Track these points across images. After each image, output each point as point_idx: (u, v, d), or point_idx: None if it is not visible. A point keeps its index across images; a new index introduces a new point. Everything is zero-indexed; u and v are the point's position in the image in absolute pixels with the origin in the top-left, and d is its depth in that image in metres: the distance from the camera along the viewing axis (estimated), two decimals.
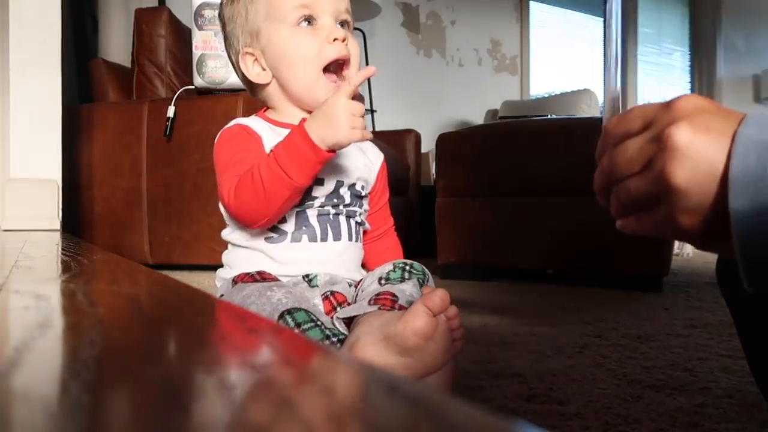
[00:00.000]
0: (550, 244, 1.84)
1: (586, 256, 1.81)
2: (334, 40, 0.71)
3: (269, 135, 0.73)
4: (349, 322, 0.63)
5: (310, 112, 0.75)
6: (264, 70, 0.75)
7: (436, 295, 0.55)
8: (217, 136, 0.75)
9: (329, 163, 0.69)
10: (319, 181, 0.72)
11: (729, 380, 0.81)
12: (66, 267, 0.70)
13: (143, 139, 2.07)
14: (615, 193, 0.43)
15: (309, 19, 0.72)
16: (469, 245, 1.98)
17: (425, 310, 0.54)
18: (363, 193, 0.78)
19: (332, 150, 0.64)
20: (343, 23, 0.74)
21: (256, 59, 0.75)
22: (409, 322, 0.54)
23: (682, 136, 0.37)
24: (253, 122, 0.75)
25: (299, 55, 0.72)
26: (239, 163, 0.69)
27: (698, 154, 0.37)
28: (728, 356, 0.95)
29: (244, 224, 0.71)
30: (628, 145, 0.41)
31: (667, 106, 0.39)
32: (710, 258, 2.58)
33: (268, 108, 0.79)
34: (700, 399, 0.73)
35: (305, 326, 0.59)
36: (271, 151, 0.66)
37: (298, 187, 0.65)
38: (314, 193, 0.73)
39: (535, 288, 1.82)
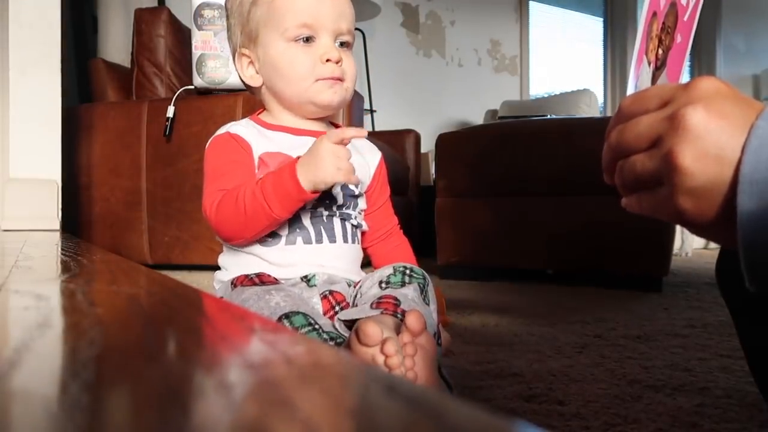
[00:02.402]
0: (550, 244, 1.84)
1: (586, 256, 1.81)
2: (327, 60, 0.72)
3: (259, 141, 0.74)
4: (350, 324, 0.63)
5: (299, 115, 0.76)
6: (257, 73, 0.76)
7: (364, 330, 0.54)
8: (208, 142, 0.75)
9: None
10: None
11: (728, 380, 0.81)
12: (65, 267, 0.70)
13: (143, 139, 2.07)
14: (620, 169, 0.43)
15: (308, 38, 0.72)
16: (469, 245, 1.98)
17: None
18: (357, 192, 0.77)
19: (317, 191, 0.66)
20: (342, 43, 0.74)
21: (251, 61, 0.76)
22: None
23: (696, 118, 0.37)
24: (244, 129, 0.75)
25: (291, 71, 0.73)
26: (225, 176, 0.71)
27: (709, 137, 0.36)
28: (728, 356, 0.95)
29: (222, 239, 0.73)
30: (640, 121, 0.41)
31: (686, 87, 0.39)
32: (710, 258, 2.58)
33: (264, 110, 0.80)
34: (700, 399, 0.73)
35: (303, 330, 0.59)
36: (260, 180, 0.68)
37: (278, 219, 0.67)
38: None
39: (535, 288, 1.82)
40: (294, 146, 0.74)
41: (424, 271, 0.71)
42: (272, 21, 0.73)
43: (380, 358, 0.53)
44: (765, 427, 0.66)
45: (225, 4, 0.80)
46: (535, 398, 0.73)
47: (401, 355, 0.54)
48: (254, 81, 0.77)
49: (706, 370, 0.87)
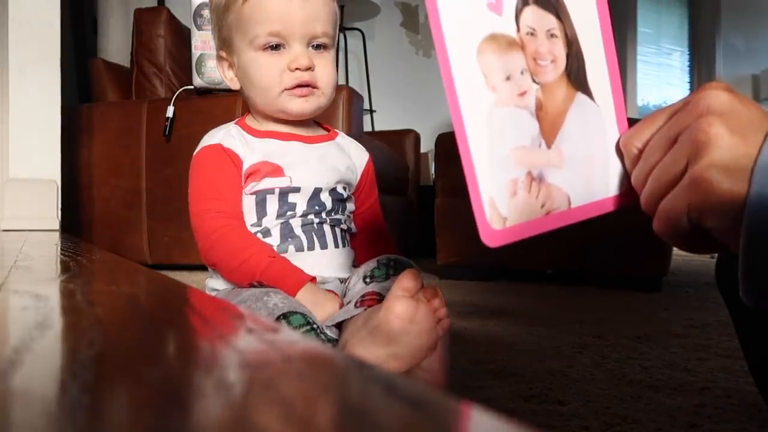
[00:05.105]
0: (549, 244, 1.84)
1: (586, 256, 1.81)
2: (296, 69, 0.70)
3: (247, 154, 0.73)
4: (338, 326, 0.63)
5: (281, 121, 0.75)
6: (236, 77, 0.76)
7: (407, 276, 0.55)
8: (198, 148, 0.75)
9: (305, 170, 0.72)
10: (295, 189, 0.72)
11: (728, 380, 0.81)
12: (65, 267, 0.70)
13: (142, 139, 2.07)
14: (650, 184, 0.39)
15: (276, 46, 0.71)
16: (469, 245, 1.97)
17: (402, 293, 0.55)
18: (345, 195, 0.77)
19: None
20: (318, 46, 0.72)
21: (230, 65, 0.76)
22: (389, 308, 0.55)
23: (721, 98, 0.36)
24: (234, 141, 0.73)
25: (260, 80, 0.72)
26: (219, 193, 0.71)
27: (736, 113, 0.35)
28: (727, 356, 0.95)
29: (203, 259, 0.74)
30: (659, 133, 0.39)
31: (692, 95, 0.38)
32: (710, 258, 2.58)
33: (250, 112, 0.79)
34: (700, 399, 0.73)
35: (301, 330, 0.59)
36: (268, 261, 0.68)
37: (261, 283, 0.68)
38: (291, 200, 0.72)
39: (535, 288, 1.82)
40: (280, 153, 0.73)
41: (410, 261, 0.70)
42: (242, 29, 0.72)
43: (423, 303, 0.56)
44: (765, 427, 0.66)
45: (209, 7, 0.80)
46: (534, 398, 0.73)
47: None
48: (234, 84, 0.77)
49: (706, 370, 0.87)
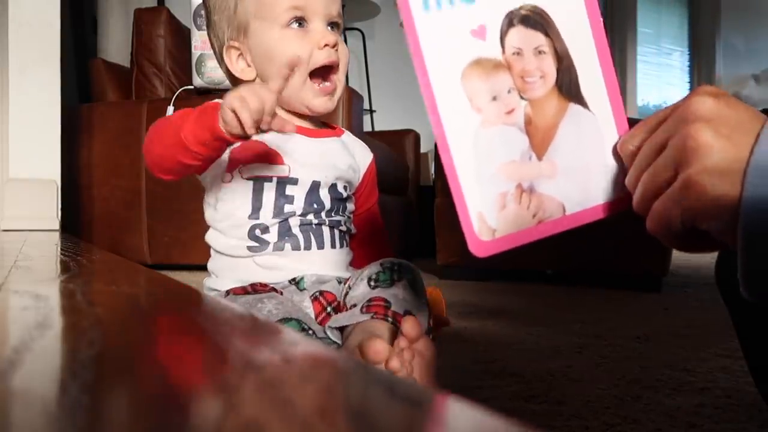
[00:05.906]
0: (549, 244, 1.83)
1: (586, 256, 1.81)
2: (325, 46, 0.70)
3: None
4: (341, 328, 0.63)
5: (292, 113, 0.74)
6: (249, 66, 0.74)
7: (371, 347, 0.52)
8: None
9: (305, 162, 0.71)
10: (293, 181, 0.71)
11: (728, 380, 0.81)
12: (65, 267, 0.70)
13: (142, 139, 2.06)
14: (641, 186, 0.40)
15: (300, 21, 0.71)
16: None
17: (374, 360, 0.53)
18: (345, 195, 0.76)
19: (232, 135, 0.60)
20: (333, 25, 0.73)
21: (241, 54, 0.74)
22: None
23: (707, 104, 0.36)
24: None
25: (289, 60, 0.70)
26: None
27: (723, 118, 0.36)
28: (727, 356, 0.95)
29: (146, 161, 0.71)
30: (649, 139, 0.39)
31: (679, 102, 0.38)
32: (710, 258, 2.58)
33: None
34: (699, 399, 0.73)
35: None
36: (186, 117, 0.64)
37: (184, 144, 0.62)
38: (289, 192, 0.71)
39: (534, 288, 1.82)
40: (281, 141, 0.71)
41: (412, 266, 0.69)
42: (262, 10, 0.71)
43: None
44: (765, 427, 0.66)
45: (205, 2, 0.77)
46: (534, 398, 0.73)
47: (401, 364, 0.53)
48: (246, 74, 0.74)
49: (706, 370, 0.87)
